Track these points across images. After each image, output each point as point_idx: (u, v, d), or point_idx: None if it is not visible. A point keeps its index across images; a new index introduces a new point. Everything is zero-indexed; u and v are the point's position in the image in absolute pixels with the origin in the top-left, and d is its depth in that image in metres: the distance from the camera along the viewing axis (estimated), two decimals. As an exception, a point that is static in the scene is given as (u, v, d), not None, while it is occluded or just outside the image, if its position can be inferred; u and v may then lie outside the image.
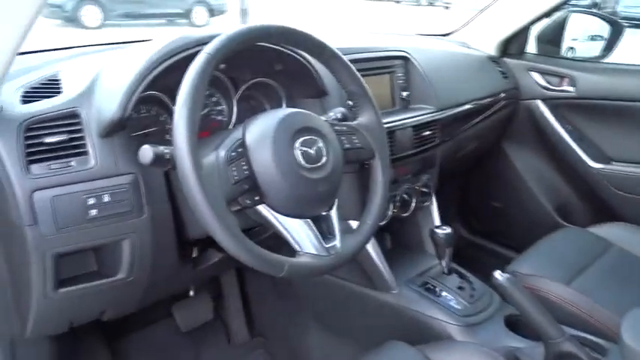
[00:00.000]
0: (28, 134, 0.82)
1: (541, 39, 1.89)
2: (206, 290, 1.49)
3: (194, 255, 1.07)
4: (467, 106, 1.54)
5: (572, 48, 1.95)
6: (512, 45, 1.85)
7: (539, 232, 1.45)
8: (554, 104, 1.77)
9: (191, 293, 1.39)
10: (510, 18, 1.76)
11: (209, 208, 0.72)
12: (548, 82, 1.78)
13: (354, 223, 0.94)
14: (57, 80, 0.94)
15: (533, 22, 1.78)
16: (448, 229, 1.20)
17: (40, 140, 0.82)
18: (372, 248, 1.23)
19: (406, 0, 18.21)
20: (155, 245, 0.92)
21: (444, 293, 1.20)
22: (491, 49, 1.83)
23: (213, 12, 10.09)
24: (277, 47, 1.01)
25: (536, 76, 1.80)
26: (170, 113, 1.00)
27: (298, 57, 1.05)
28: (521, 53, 1.88)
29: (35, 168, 0.81)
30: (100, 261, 0.93)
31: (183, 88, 0.74)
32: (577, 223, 1.70)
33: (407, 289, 1.22)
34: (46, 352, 1.07)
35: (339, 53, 0.93)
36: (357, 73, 0.95)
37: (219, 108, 1.11)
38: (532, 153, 1.86)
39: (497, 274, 0.99)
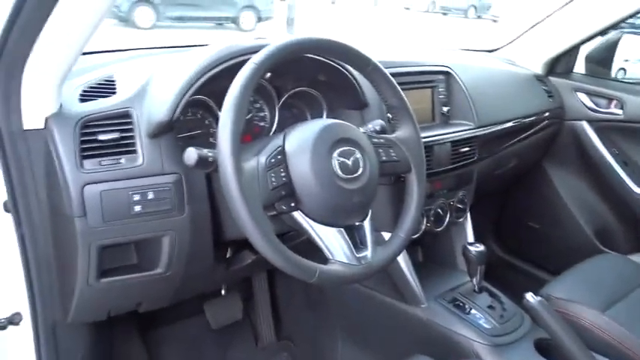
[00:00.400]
0: (84, 131, 0.87)
1: (590, 59, 1.85)
2: (237, 290, 1.52)
3: (228, 255, 1.11)
4: (508, 125, 1.52)
5: (622, 69, 1.90)
6: (560, 64, 1.83)
7: (576, 256, 1.42)
8: (600, 126, 1.72)
9: (222, 292, 1.43)
10: (559, 37, 1.73)
11: (247, 211, 0.75)
12: (595, 104, 1.74)
13: (386, 235, 0.95)
14: (112, 81, 0.99)
15: (583, 42, 1.75)
16: (481, 247, 1.19)
17: (94, 137, 0.88)
18: (403, 261, 1.23)
19: (453, 12, 18.01)
20: (193, 243, 0.96)
21: (473, 311, 1.19)
22: (538, 68, 1.80)
23: (260, 18, 10.30)
24: (321, 58, 1.03)
25: (583, 97, 1.76)
26: (215, 118, 1.04)
27: (341, 69, 1.07)
28: (568, 73, 1.85)
29: (87, 163, 0.87)
30: (140, 255, 0.98)
31: (230, 96, 0.78)
32: (617, 250, 1.65)
33: (436, 304, 1.22)
34: (84, 339, 1.12)
35: (382, 67, 0.95)
36: (398, 87, 0.97)
37: (262, 114, 1.15)
38: (574, 174, 1.82)
39: (530, 297, 0.98)
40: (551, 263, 1.72)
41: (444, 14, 18.06)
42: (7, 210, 0.91)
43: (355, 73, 1.10)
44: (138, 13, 9.03)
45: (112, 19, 8.71)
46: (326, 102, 1.18)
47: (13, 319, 1.00)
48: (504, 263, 2.01)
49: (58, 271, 0.97)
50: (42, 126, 0.87)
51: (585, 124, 1.75)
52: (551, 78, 1.81)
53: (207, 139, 1.06)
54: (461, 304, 1.21)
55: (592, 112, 1.74)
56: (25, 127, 0.86)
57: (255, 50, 0.84)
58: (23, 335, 1.01)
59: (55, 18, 0.74)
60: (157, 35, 8.51)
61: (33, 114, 0.86)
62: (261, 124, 1.15)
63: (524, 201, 1.95)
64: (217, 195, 0.97)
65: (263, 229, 0.76)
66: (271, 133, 1.14)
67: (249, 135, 1.12)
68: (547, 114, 1.70)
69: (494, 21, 16.54)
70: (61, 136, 0.86)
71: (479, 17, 17.94)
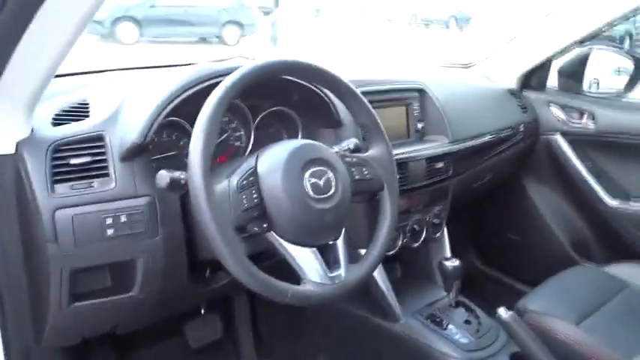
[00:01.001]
0: (55, 155, 0.87)
1: (563, 73, 1.89)
2: (217, 309, 1.52)
3: (207, 275, 1.11)
4: (483, 139, 1.55)
5: (594, 84, 1.95)
6: (533, 79, 1.86)
7: (554, 267, 1.44)
8: (573, 139, 1.76)
9: (202, 311, 1.42)
10: (532, 52, 1.77)
11: (218, 233, 0.75)
12: (569, 117, 1.78)
13: (363, 252, 0.96)
14: (86, 104, 1.00)
15: (554, 57, 1.79)
16: (457, 262, 1.21)
17: (65, 161, 0.88)
18: (380, 277, 1.24)
19: (435, 24, 18.28)
20: (167, 265, 0.96)
21: (450, 326, 1.21)
22: (512, 82, 1.84)
23: (244, 32, 10.34)
24: (294, 79, 1.05)
25: (556, 111, 1.80)
26: (189, 138, 1.04)
27: (314, 88, 1.09)
28: (541, 87, 1.88)
29: (59, 187, 0.86)
30: (114, 277, 0.97)
31: (200, 118, 0.79)
32: (593, 260, 1.68)
33: (414, 320, 1.23)
34: None
35: (352, 87, 0.97)
36: (369, 105, 0.98)
37: (238, 134, 1.16)
38: (550, 186, 1.85)
39: (502, 311, 1.00)
40: (530, 275, 1.74)
41: (427, 25, 18.32)
42: None
43: (329, 92, 1.11)
44: (121, 29, 9.01)
45: (94, 35, 8.68)
46: (301, 121, 1.19)
47: None
48: (485, 275, 2.03)
49: (30, 295, 0.96)
50: (13, 151, 0.86)
51: (559, 137, 1.78)
52: (525, 92, 1.85)
53: (182, 160, 1.06)
54: (438, 319, 1.23)
55: (565, 126, 1.77)
56: (4, 151, 0.85)
57: (227, 73, 0.85)
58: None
59: (27, 40, 0.74)
60: (141, 50, 8.49)
61: (4, 139, 0.85)
62: (237, 143, 1.16)
63: (504, 214, 1.97)
64: (191, 217, 0.97)
65: (234, 251, 0.77)
66: (247, 152, 1.15)
67: (224, 155, 1.13)
68: (521, 127, 1.73)
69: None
70: (32, 160, 0.86)
71: (460, 28, 18.23)
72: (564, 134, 1.78)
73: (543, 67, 1.84)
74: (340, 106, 1.14)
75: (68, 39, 0.77)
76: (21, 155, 0.86)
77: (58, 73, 0.85)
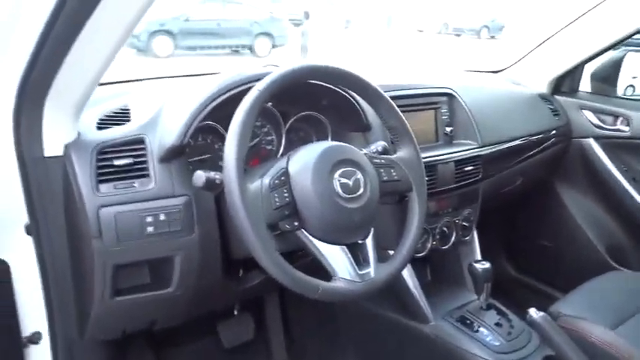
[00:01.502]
0: (100, 157, 0.93)
1: (595, 77, 1.87)
2: (249, 310, 1.55)
3: (240, 274, 1.14)
4: (513, 143, 1.55)
5: (631, 86, 1.91)
6: (565, 83, 1.85)
7: (588, 273, 1.42)
8: (607, 143, 1.74)
9: (235, 312, 1.46)
10: (563, 56, 1.76)
11: (251, 230, 0.79)
12: (602, 121, 1.76)
13: (391, 253, 0.98)
14: (127, 110, 1.05)
15: (587, 61, 1.77)
16: (487, 264, 1.21)
17: (109, 162, 0.93)
18: (410, 279, 1.25)
19: (467, 33, 18.13)
20: (202, 262, 1.00)
21: (481, 329, 1.20)
22: (543, 87, 1.83)
23: (275, 44, 10.52)
24: (323, 83, 1.08)
25: (589, 115, 1.78)
26: (224, 142, 1.09)
27: (344, 93, 1.12)
28: (574, 91, 1.86)
29: (103, 187, 0.92)
30: (153, 274, 1.02)
31: (234, 121, 0.83)
32: (629, 267, 1.64)
33: (444, 321, 1.23)
34: (100, 356, 1.16)
35: (380, 90, 0.99)
36: (397, 109, 1.01)
37: (270, 138, 1.20)
38: (583, 191, 1.82)
39: (533, 312, 0.99)
40: (563, 281, 1.71)
41: (457, 35, 18.19)
42: (28, 233, 0.97)
43: (357, 96, 1.14)
44: (156, 43, 9.30)
45: (131, 48, 8.98)
46: (330, 125, 1.22)
47: (33, 338, 1.05)
48: (515, 281, 2.00)
49: (75, 290, 1.01)
50: (61, 153, 0.92)
51: (592, 142, 1.76)
52: (557, 97, 1.83)
53: (217, 163, 1.10)
54: (469, 321, 1.22)
55: (598, 130, 1.75)
56: (46, 154, 0.91)
57: (259, 78, 0.89)
58: (43, 354, 1.06)
59: (75, 51, 0.80)
60: (175, 63, 8.75)
61: (53, 142, 0.91)
62: (269, 147, 1.20)
63: (535, 219, 1.95)
64: (226, 216, 1.01)
65: (266, 247, 0.80)
66: (278, 156, 1.19)
67: (257, 159, 1.17)
68: (553, 132, 1.72)
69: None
70: (79, 162, 0.92)
71: (492, 37, 18.03)
72: (597, 138, 1.75)
73: (575, 71, 1.83)
74: (369, 110, 1.17)
75: (111, 50, 0.83)
76: (69, 157, 0.92)
77: (101, 81, 0.91)
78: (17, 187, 0.93)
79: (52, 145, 0.92)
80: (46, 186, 0.94)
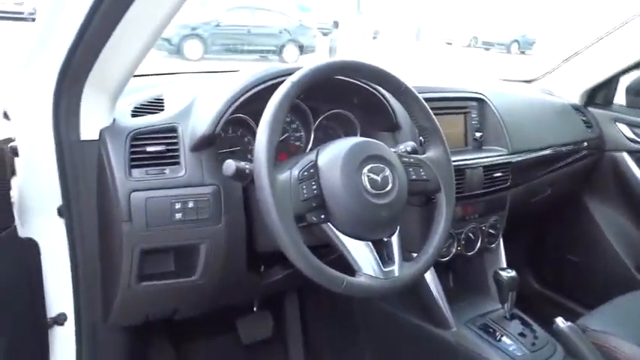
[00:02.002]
0: (133, 143, 0.95)
1: (631, 90, 1.83)
2: (268, 308, 1.55)
3: (261, 269, 1.15)
4: (543, 153, 1.52)
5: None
6: (599, 95, 1.81)
7: (616, 289, 1.38)
8: None
9: (254, 309, 1.47)
10: (598, 67, 1.73)
11: (278, 219, 0.79)
12: (637, 135, 1.72)
13: (414, 255, 0.97)
14: (161, 100, 1.08)
15: (623, 73, 1.73)
16: (513, 273, 1.18)
17: (142, 149, 0.95)
18: (432, 283, 1.23)
19: (496, 47, 17.97)
20: (227, 252, 1.01)
21: (504, 338, 1.17)
22: (576, 98, 1.80)
23: (303, 50, 10.61)
24: (355, 81, 1.08)
25: (624, 128, 1.74)
26: (253, 135, 1.10)
27: (374, 92, 1.12)
28: (608, 103, 1.83)
29: (136, 172, 0.94)
30: (178, 262, 1.03)
31: (267, 111, 0.83)
32: (660, 285, 1.58)
33: (466, 328, 1.21)
34: (122, 343, 1.18)
35: (413, 90, 0.99)
36: (429, 108, 1.00)
37: (298, 134, 1.20)
38: (614, 206, 1.77)
39: (560, 321, 0.97)
40: (588, 297, 1.67)
41: (487, 49, 18.05)
42: (60, 215, 0.99)
43: (388, 96, 1.14)
44: (187, 46, 9.49)
45: (163, 51, 9.18)
46: (360, 124, 1.22)
47: (59, 319, 1.07)
48: (539, 295, 1.96)
49: (102, 274, 1.03)
50: (96, 137, 0.95)
51: (626, 156, 1.72)
52: (590, 108, 1.80)
53: (246, 156, 1.11)
54: (491, 329, 1.20)
55: (633, 144, 1.71)
56: (82, 137, 0.94)
57: (291, 72, 0.90)
58: (67, 335, 1.07)
59: (114, 40, 0.83)
60: (205, 66, 8.89)
61: (89, 126, 0.94)
62: (297, 143, 1.20)
63: (563, 233, 1.91)
64: (252, 207, 1.02)
65: (292, 237, 0.80)
66: (306, 152, 1.19)
67: (285, 153, 1.18)
68: (585, 144, 1.69)
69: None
70: (114, 146, 0.94)
71: (522, 52, 17.83)
72: (631, 152, 1.71)
73: (610, 84, 1.79)
74: (399, 110, 1.16)
75: (148, 40, 0.85)
76: (104, 141, 0.94)
77: (137, 73, 0.94)
78: (52, 170, 0.96)
79: (88, 129, 0.94)
80: (80, 169, 0.96)
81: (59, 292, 1.05)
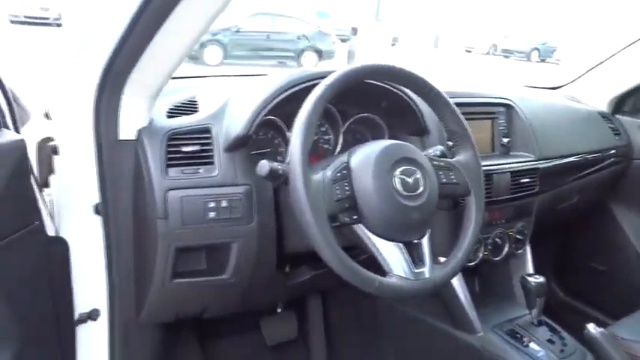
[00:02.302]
0: (170, 143, 0.97)
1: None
2: (292, 310, 1.57)
3: (286, 270, 1.16)
4: (570, 159, 1.51)
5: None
6: (628, 102, 1.80)
7: None
8: None
9: (279, 310, 1.48)
10: (626, 75, 1.71)
11: (313, 219, 0.80)
12: (667, 143, 1.69)
13: (442, 259, 0.98)
14: (195, 102, 1.10)
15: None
16: (541, 279, 1.18)
17: (178, 149, 0.97)
18: (459, 287, 1.23)
19: (516, 55, 17.83)
20: (258, 252, 1.02)
21: (532, 344, 1.17)
22: (603, 105, 1.78)
23: (321, 56, 10.66)
24: (385, 85, 1.10)
25: (653, 136, 1.72)
26: (284, 137, 1.12)
27: (404, 96, 1.13)
28: (636, 111, 1.80)
29: (171, 171, 0.96)
30: (210, 261, 1.05)
31: (302, 113, 0.85)
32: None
33: (492, 333, 1.21)
34: (152, 340, 1.19)
35: (444, 94, 1.00)
36: (459, 112, 1.01)
37: (327, 137, 1.22)
38: (643, 215, 1.75)
39: (591, 327, 0.96)
40: (615, 306, 1.64)
41: (506, 57, 17.92)
42: (97, 212, 1.02)
43: (417, 100, 1.15)
44: (207, 52, 9.60)
45: (183, 56, 9.29)
46: (388, 128, 1.23)
47: (92, 315, 1.09)
48: (563, 304, 1.93)
49: (135, 271, 1.05)
50: (134, 137, 0.97)
51: None
52: (618, 116, 1.78)
53: (276, 158, 1.13)
54: (519, 335, 1.19)
55: None
56: (120, 137, 0.96)
57: (324, 75, 0.91)
58: (99, 331, 1.10)
59: (156, 43, 0.85)
60: (224, 71, 8.98)
61: (127, 126, 0.96)
62: (326, 146, 1.22)
63: (589, 241, 1.88)
64: (283, 208, 1.04)
65: (328, 238, 0.81)
66: (335, 154, 1.21)
67: (315, 155, 1.19)
68: (613, 151, 1.67)
69: (559, 65, 16.18)
70: (151, 146, 0.96)
71: (542, 60, 17.66)
72: None
73: (638, 92, 1.77)
74: (427, 114, 1.17)
75: (188, 45, 0.88)
76: (141, 141, 0.97)
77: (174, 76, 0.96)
78: (90, 169, 0.98)
79: (127, 129, 0.97)
80: (117, 168, 0.98)
81: (92, 288, 1.07)
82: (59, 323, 1.03)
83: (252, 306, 1.21)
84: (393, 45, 17.71)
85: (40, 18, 12.25)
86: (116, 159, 0.97)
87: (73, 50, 0.93)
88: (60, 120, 1.00)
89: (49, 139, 1.03)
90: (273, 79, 1.04)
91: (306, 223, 0.81)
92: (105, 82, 0.91)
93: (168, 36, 0.85)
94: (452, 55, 16.42)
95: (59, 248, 1.01)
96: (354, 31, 13.83)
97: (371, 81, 1.04)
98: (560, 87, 1.90)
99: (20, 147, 0.83)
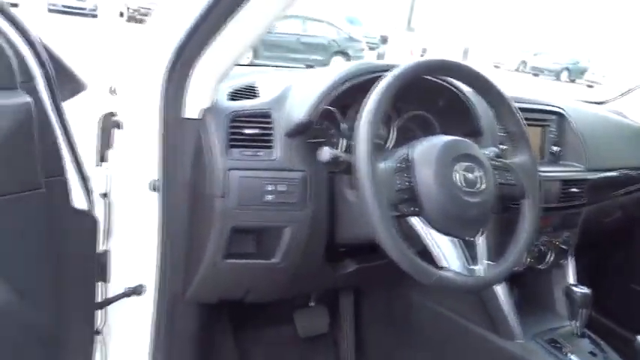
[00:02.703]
0: (232, 124, 0.99)
1: None
2: (324, 304, 1.57)
3: (333, 260, 1.16)
4: (618, 173, 1.49)
5: None
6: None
7: None
8: None
9: (311, 304, 1.48)
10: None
11: (377, 207, 0.81)
12: None
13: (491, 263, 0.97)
14: (254, 87, 1.12)
15: None
16: (586, 290, 1.16)
17: (239, 130, 0.99)
18: (502, 292, 1.22)
19: (545, 74, 17.62)
20: (308, 239, 1.03)
21: (572, 355, 1.15)
22: (651, 122, 1.75)
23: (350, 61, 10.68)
24: (443, 83, 1.10)
25: (703, 156, 1.68)
26: (338, 127, 1.13)
27: (461, 95, 1.13)
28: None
29: (233, 151, 0.98)
30: (260, 244, 1.06)
31: (371, 100, 0.86)
32: None
33: (533, 342, 1.19)
34: (194, 320, 1.20)
35: (505, 94, 0.99)
36: (519, 114, 1.00)
37: (380, 132, 1.22)
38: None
39: None
40: None
41: (535, 75, 17.71)
42: (154, 189, 1.03)
43: (473, 101, 1.15)
44: (238, 51, 9.70)
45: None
46: (440, 127, 1.23)
47: (137, 290, 1.11)
48: (596, 321, 1.89)
49: (186, 248, 1.07)
50: (197, 116, 0.99)
51: None
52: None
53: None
54: (559, 345, 1.18)
55: None
56: (185, 115, 0.98)
57: (386, 69, 0.92)
58: (144, 306, 1.11)
59: (229, 28, 0.88)
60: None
61: (193, 105, 0.98)
62: (377, 141, 1.22)
63: (630, 260, 1.84)
64: (337, 196, 1.04)
65: (389, 225, 0.81)
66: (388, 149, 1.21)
67: None
68: None
69: (590, 86, 15.91)
70: (214, 126, 0.98)
71: (572, 81, 17.41)
72: None
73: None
74: (483, 115, 1.17)
75: (255, 35, 0.91)
76: (204, 121, 0.98)
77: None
78: (151, 145, 1.00)
79: (192, 108, 0.98)
80: (179, 145, 1.00)
81: (140, 264, 1.09)
82: (90, 299, 1.05)
83: (295, 292, 1.22)
84: (421, 55, 17.67)
85: (77, 8, 12.55)
86: (179, 136, 0.99)
87: (147, 31, 0.95)
88: (127, 96, 1.02)
89: (112, 114, 1.06)
90: (337, 68, 1.05)
91: (369, 210, 0.81)
92: (176, 62, 0.93)
93: (240, 23, 0.87)
94: (480, 68, 16.29)
95: (84, 223, 1.02)
96: (384, 39, 13.83)
97: (431, 77, 1.05)
98: (606, 102, 1.87)
99: (22, 110, 0.81)
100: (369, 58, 11.02)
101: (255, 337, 1.53)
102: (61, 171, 0.94)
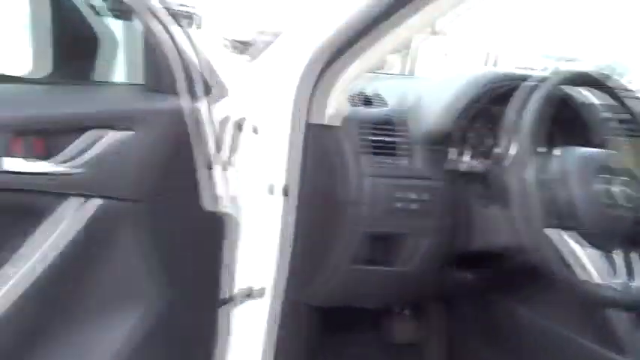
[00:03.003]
0: (366, 132, 1.00)
1: None
2: (416, 312, 1.55)
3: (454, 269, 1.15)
4: None
5: None
6: None
7: None
8: None
9: (406, 312, 1.48)
10: None
11: (534, 218, 0.80)
12: None
13: None
14: (381, 96, 1.12)
15: None
16: None
17: (375, 138, 1.00)
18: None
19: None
20: (436, 247, 1.03)
21: None
22: None
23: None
24: (573, 94, 1.09)
25: None
26: (464, 138, 1.12)
27: (591, 108, 1.11)
28: None
29: (366, 158, 0.98)
30: (387, 250, 1.05)
31: (530, 110, 0.85)
32: None
33: None
34: (308, 323, 1.20)
35: None
36: None
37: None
38: None
39: None
40: None
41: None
42: (285, 194, 1.03)
43: (599, 113, 1.13)
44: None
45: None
46: (559, 137, 1.21)
47: (255, 293, 1.11)
48: None
49: (312, 253, 1.06)
50: (337, 123, 0.99)
51: None
52: None
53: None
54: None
55: None
56: (326, 122, 0.98)
57: (523, 79, 0.91)
58: (260, 309, 1.11)
59: (372, 50, 0.89)
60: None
61: (333, 113, 0.99)
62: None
63: None
64: (467, 206, 1.03)
65: (550, 240, 0.81)
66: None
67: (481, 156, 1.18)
68: None
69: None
70: (350, 133, 0.99)
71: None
72: None
73: None
74: (605, 130, 1.15)
75: (386, 54, 0.96)
76: (343, 128, 0.99)
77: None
78: (283, 150, 1.00)
79: (331, 115, 0.99)
80: (313, 151, 1.00)
81: (260, 266, 1.09)
82: (214, 301, 1.05)
83: (414, 299, 1.21)
84: (445, 55, 17.55)
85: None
86: (317, 143, 0.99)
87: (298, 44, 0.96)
88: (265, 102, 1.02)
89: (243, 119, 1.06)
90: (470, 78, 1.05)
91: (525, 220, 0.81)
92: (323, 75, 0.93)
93: (380, 44, 0.88)
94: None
95: (214, 224, 1.03)
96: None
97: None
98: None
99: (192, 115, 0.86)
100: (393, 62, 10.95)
101: (339, 341, 1.52)
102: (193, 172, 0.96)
